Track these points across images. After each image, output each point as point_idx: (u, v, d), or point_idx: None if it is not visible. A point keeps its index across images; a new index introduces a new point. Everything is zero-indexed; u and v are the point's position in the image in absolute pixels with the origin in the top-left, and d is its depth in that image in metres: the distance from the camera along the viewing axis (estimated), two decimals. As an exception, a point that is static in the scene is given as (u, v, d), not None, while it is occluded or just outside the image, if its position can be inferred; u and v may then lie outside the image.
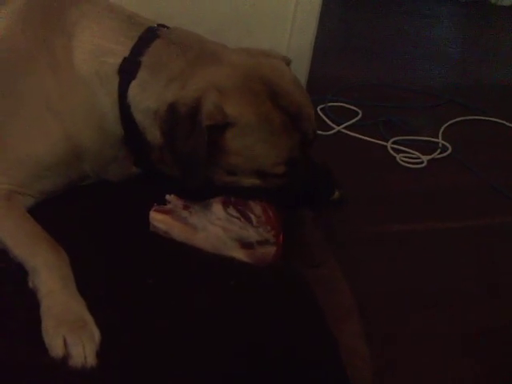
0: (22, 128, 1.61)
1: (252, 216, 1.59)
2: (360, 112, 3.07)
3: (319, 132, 2.69)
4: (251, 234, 1.58)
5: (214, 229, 1.59)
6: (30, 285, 1.41)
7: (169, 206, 1.63)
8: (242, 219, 1.59)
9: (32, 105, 1.61)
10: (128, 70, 1.60)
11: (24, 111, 1.61)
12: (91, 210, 1.67)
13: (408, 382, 1.72)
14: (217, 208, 1.61)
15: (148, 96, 1.59)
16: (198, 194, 1.64)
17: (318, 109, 2.97)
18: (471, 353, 1.83)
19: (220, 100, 1.50)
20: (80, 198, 1.68)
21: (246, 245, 1.58)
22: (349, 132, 2.89)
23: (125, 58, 1.60)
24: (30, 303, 1.37)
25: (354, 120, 3.00)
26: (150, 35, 1.64)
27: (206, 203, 1.62)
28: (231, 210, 1.61)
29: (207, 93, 1.50)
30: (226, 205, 1.61)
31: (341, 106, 3.14)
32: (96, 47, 1.61)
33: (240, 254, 1.58)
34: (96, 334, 1.32)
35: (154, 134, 1.60)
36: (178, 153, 1.53)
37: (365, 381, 1.44)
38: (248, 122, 1.52)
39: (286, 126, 1.56)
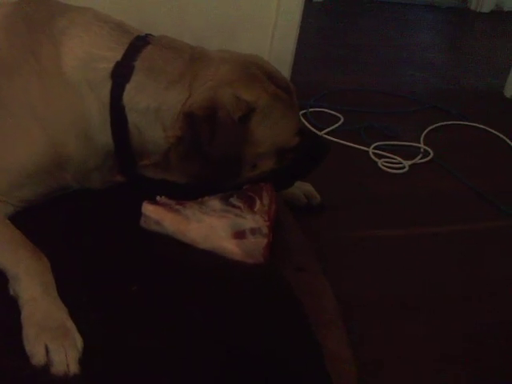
0: (5, 136, 1.60)
1: (258, 202, 1.64)
2: (342, 117, 3.07)
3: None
4: (246, 221, 1.61)
5: (207, 219, 1.61)
6: (11, 292, 1.40)
7: (162, 201, 1.64)
8: (244, 206, 1.63)
9: (17, 113, 1.61)
10: (121, 73, 1.62)
11: (9, 119, 1.60)
12: (73, 216, 1.66)
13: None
14: (213, 202, 1.63)
15: (147, 96, 1.61)
16: (191, 195, 1.67)
17: (300, 114, 2.96)
18: (457, 358, 1.83)
19: (235, 92, 1.59)
20: (62, 203, 1.67)
21: (238, 234, 1.60)
22: (331, 137, 2.89)
23: (117, 63, 1.62)
24: (11, 310, 1.35)
25: (335, 125, 3.00)
26: (140, 42, 1.68)
27: (200, 200, 1.65)
28: (234, 200, 1.64)
29: (220, 90, 1.59)
30: (225, 198, 1.65)
31: (322, 111, 3.14)
32: (86, 54, 1.62)
33: (231, 244, 1.59)
34: (78, 341, 1.31)
35: (155, 135, 1.64)
36: (212, 156, 1.58)
37: (350, 386, 1.44)
38: (266, 103, 1.63)
39: (289, 100, 1.70)
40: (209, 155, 1.58)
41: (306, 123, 2.94)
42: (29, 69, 1.62)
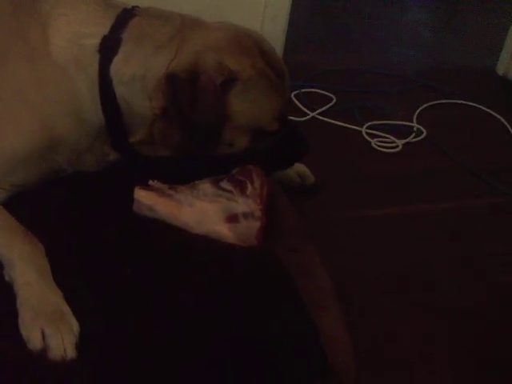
0: None
1: (249, 186, 1.62)
2: (334, 98, 3.06)
3: (293, 118, 2.69)
4: (239, 205, 1.59)
5: (199, 203, 1.60)
6: (6, 278, 1.39)
7: (154, 186, 1.64)
8: (235, 190, 1.61)
9: (7, 97, 1.59)
10: (109, 46, 1.60)
11: None
12: (66, 200, 1.66)
13: (390, 364, 1.73)
14: (204, 186, 1.62)
15: (133, 65, 1.59)
16: (183, 177, 1.65)
17: (292, 95, 2.96)
18: (451, 331, 1.85)
19: (220, 58, 1.55)
20: (55, 187, 1.66)
21: (230, 218, 1.59)
22: (323, 118, 2.89)
23: (104, 36, 1.60)
24: (7, 296, 1.35)
25: (328, 106, 3.00)
26: (127, 14, 1.65)
27: (192, 184, 1.63)
28: (224, 184, 1.62)
29: (205, 54, 1.55)
30: (216, 182, 1.63)
31: (315, 92, 3.13)
32: (73, 33, 1.60)
33: (224, 228, 1.58)
34: (75, 325, 1.31)
35: (142, 106, 1.61)
36: (193, 120, 1.55)
37: (347, 366, 1.45)
38: (249, 76, 1.58)
39: (277, 82, 1.65)
40: (189, 121, 1.55)
41: (298, 104, 2.94)
42: (18, 52, 1.60)
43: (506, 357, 1.82)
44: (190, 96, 1.53)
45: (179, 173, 1.69)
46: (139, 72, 1.58)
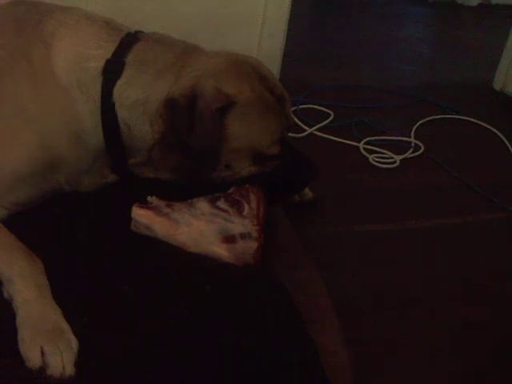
0: None
1: (246, 206, 1.62)
2: (332, 113, 3.07)
3: (291, 135, 2.69)
4: (235, 226, 1.60)
5: (196, 223, 1.60)
6: (5, 295, 1.40)
7: (151, 204, 1.64)
8: (232, 210, 1.61)
9: (9, 115, 1.60)
10: (112, 70, 1.62)
11: (0, 121, 1.60)
12: (65, 218, 1.66)
13: (389, 380, 1.73)
14: (201, 204, 1.62)
15: (136, 89, 1.62)
16: (181, 194, 1.66)
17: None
18: (454, 350, 1.84)
19: (217, 83, 1.57)
20: (54, 205, 1.66)
21: (227, 239, 1.60)
22: (321, 134, 2.90)
23: (108, 60, 1.62)
24: (6, 313, 1.35)
25: (326, 122, 3.00)
26: (131, 38, 1.67)
27: (189, 202, 1.63)
28: (221, 204, 1.63)
29: (202, 80, 1.57)
30: (213, 200, 1.63)
31: (312, 108, 3.14)
32: (76, 55, 1.63)
33: (221, 249, 1.59)
34: (74, 342, 1.31)
35: (143, 130, 1.64)
36: (189, 145, 1.57)
37: (345, 382, 1.44)
38: (247, 100, 1.60)
39: (276, 106, 1.66)
40: (187, 146, 1.57)
41: (296, 120, 2.94)
42: (20, 71, 1.62)
43: (509, 371, 1.82)
44: (188, 121, 1.55)
45: (178, 191, 1.69)
46: (142, 96, 1.61)
